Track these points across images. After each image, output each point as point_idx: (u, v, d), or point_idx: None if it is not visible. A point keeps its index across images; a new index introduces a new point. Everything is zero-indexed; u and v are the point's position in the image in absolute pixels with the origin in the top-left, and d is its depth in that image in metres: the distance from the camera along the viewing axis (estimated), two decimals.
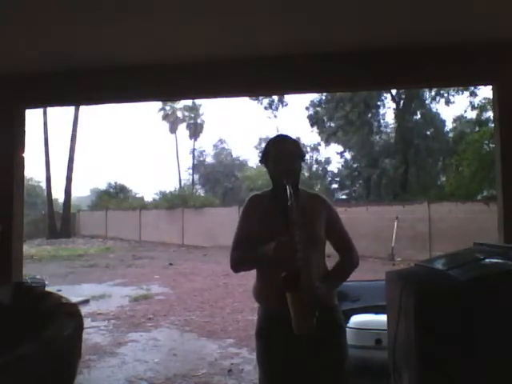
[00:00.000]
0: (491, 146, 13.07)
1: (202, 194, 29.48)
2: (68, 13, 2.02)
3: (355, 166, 23.22)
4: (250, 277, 2.12)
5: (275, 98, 22.24)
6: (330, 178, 26.01)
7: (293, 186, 1.87)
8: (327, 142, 23.72)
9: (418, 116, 20.98)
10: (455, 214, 12.62)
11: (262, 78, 2.63)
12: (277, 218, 1.91)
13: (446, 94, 19.71)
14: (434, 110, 20.88)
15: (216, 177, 33.18)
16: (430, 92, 19.61)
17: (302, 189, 2.07)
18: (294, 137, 2.12)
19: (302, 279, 1.72)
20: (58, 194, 28.58)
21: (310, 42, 2.41)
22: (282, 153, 2.00)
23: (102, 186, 31.32)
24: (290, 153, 2.00)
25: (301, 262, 1.77)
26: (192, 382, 4.09)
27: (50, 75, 2.74)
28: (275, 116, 25.30)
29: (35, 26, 2.17)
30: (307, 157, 28.76)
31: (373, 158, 21.23)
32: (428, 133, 20.63)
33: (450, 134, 21.02)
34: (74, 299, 5.08)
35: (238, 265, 2.02)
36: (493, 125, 3.22)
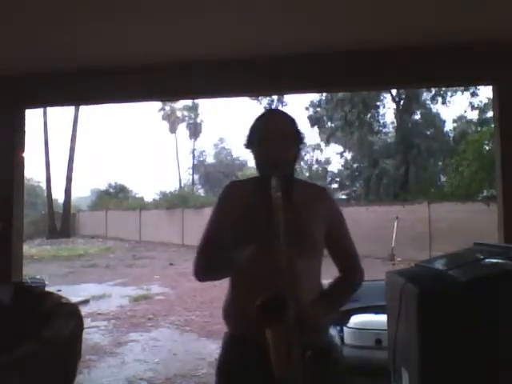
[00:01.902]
0: (491, 145, 13.07)
1: (202, 194, 29.49)
2: (68, 13, 2.02)
3: (355, 166, 23.24)
4: None
5: (275, 97, 22.24)
6: (330, 178, 26.03)
7: (284, 179, 1.40)
8: (327, 142, 23.73)
9: (418, 116, 21.01)
10: (455, 214, 12.61)
11: (262, 78, 2.63)
12: (259, 217, 1.43)
13: (445, 94, 19.73)
14: (434, 110, 20.92)
15: (216, 177, 33.18)
16: (430, 92, 19.62)
17: (300, 180, 1.66)
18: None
19: (287, 308, 1.26)
20: (58, 194, 28.62)
21: (310, 42, 2.41)
22: (269, 134, 1.50)
23: (102, 186, 31.43)
24: (281, 134, 1.49)
25: (286, 282, 1.29)
26: (192, 382, 4.09)
27: (50, 75, 2.74)
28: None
29: (35, 26, 2.17)
30: (308, 157, 28.86)
31: (373, 158, 21.25)
32: (428, 133, 20.65)
33: (451, 134, 21.04)
34: (73, 299, 5.08)
35: (203, 272, 1.60)
36: (493, 125, 3.22)
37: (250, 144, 1.58)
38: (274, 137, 1.49)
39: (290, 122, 1.58)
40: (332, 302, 1.52)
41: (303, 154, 28.73)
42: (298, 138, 1.56)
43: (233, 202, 1.57)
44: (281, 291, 1.28)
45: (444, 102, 19.96)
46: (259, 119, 1.59)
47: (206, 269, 1.59)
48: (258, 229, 1.42)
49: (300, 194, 1.54)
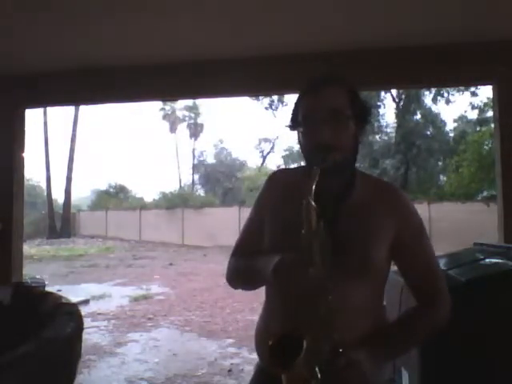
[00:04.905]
0: (491, 146, 13.09)
1: (202, 194, 29.50)
2: (68, 13, 2.02)
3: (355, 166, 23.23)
4: None
5: (275, 97, 22.24)
6: None
7: (335, 171, 1.09)
8: None
9: (419, 116, 21.00)
10: (455, 214, 12.63)
11: (263, 78, 2.63)
12: (296, 219, 1.06)
13: (446, 94, 19.74)
14: (435, 110, 20.92)
15: (216, 177, 33.17)
16: (430, 92, 19.63)
17: (362, 175, 1.23)
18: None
19: (304, 350, 0.93)
20: (58, 194, 28.63)
21: (309, 42, 2.41)
22: (313, 112, 1.12)
23: (102, 187, 31.41)
24: (329, 112, 1.10)
25: (318, 314, 0.97)
26: (192, 382, 4.08)
27: (50, 75, 2.74)
28: (275, 116, 25.31)
29: (35, 26, 2.17)
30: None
31: (373, 158, 21.24)
32: (428, 133, 20.65)
33: (451, 134, 21.05)
34: (73, 299, 5.08)
35: (232, 278, 1.29)
36: (493, 125, 3.22)
37: (293, 124, 1.18)
38: (318, 117, 1.10)
39: (347, 93, 1.16)
40: (389, 344, 1.09)
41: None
42: (357, 115, 1.15)
43: (275, 196, 1.21)
44: (300, 326, 0.97)
45: (447, 102, 19.98)
46: (306, 91, 1.19)
47: (234, 274, 1.27)
48: (294, 234, 1.04)
49: (358, 197, 1.15)
